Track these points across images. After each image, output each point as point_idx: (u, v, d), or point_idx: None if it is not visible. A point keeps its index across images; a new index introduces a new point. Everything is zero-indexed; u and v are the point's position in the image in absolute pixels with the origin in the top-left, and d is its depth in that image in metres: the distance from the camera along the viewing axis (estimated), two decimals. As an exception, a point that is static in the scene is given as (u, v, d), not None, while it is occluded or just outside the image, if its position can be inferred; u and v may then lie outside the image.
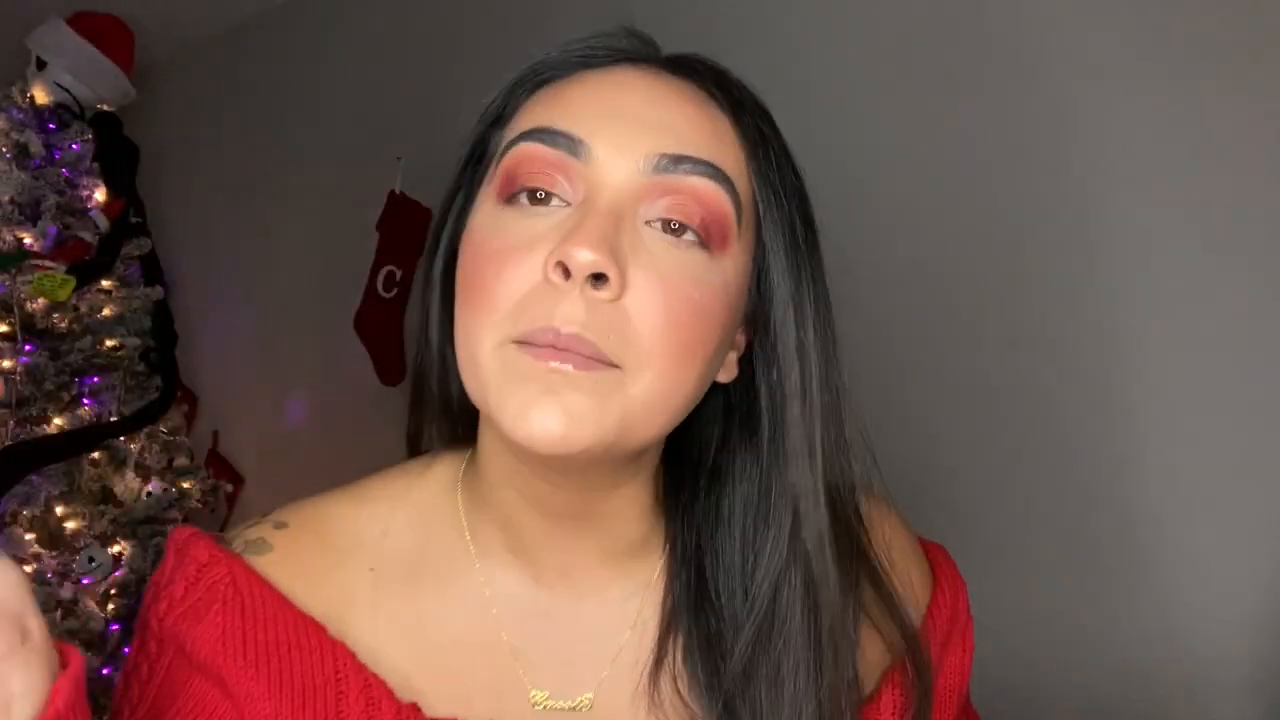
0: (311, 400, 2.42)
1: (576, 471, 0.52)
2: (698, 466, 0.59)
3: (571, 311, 0.47)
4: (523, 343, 0.48)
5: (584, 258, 0.46)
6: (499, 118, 0.57)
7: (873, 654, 0.60)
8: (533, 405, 0.47)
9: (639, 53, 0.56)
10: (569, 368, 0.47)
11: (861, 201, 1.40)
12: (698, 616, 0.57)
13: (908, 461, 1.24)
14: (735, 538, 0.57)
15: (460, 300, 0.52)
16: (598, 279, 0.47)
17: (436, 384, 0.60)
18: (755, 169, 0.53)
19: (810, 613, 0.54)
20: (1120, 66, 1.23)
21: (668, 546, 0.60)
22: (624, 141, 0.50)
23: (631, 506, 0.58)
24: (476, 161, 0.57)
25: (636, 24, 0.59)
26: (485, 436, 0.57)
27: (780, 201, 0.53)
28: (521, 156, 0.51)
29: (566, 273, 0.47)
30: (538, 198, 0.51)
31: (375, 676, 0.55)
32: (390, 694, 0.55)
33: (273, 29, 2.52)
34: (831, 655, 0.54)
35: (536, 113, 0.53)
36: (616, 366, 0.47)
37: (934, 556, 0.66)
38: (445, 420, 0.61)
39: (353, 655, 0.55)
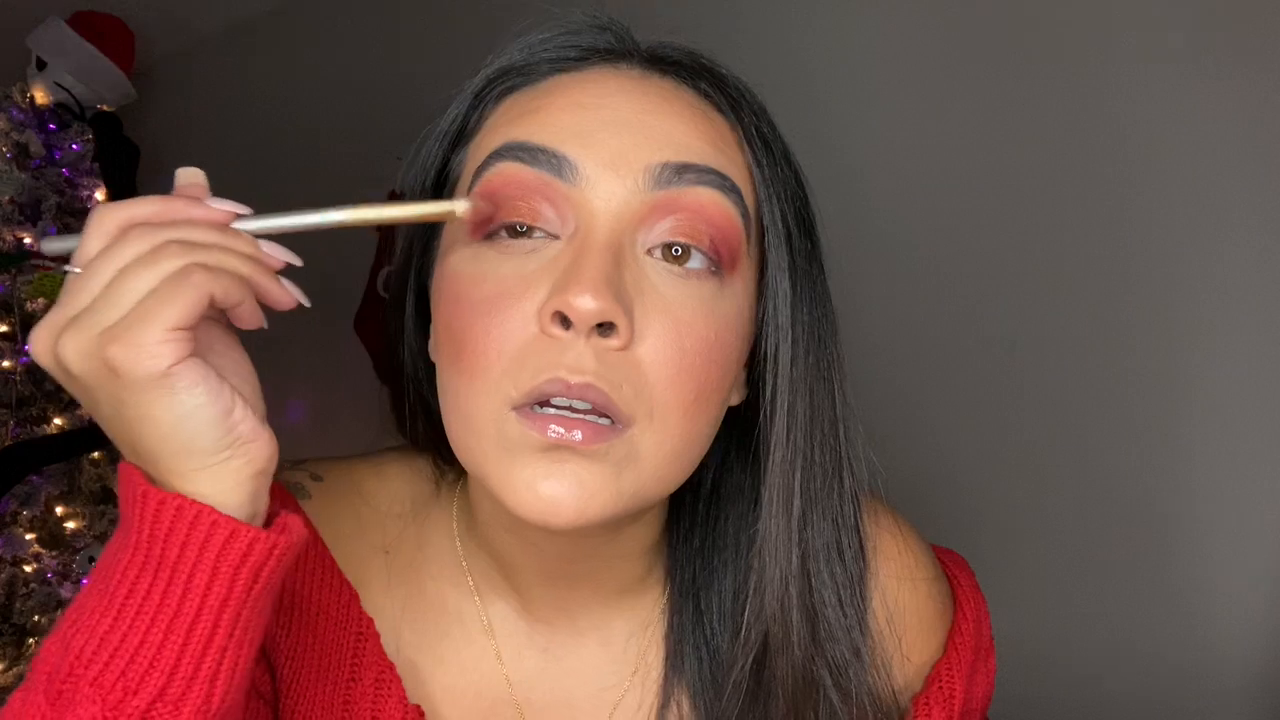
0: (311, 400, 2.42)
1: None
2: (697, 489, 0.55)
3: (579, 360, 0.41)
4: (523, 408, 0.42)
5: (587, 306, 0.40)
6: (461, 134, 0.50)
7: (923, 656, 0.57)
8: (541, 480, 0.42)
9: (616, 49, 0.50)
10: (577, 436, 0.41)
11: (875, 202, 1.40)
12: (699, 656, 0.53)
13: (922, 466, 1.24)
14: (729, 565, 0.53)
15: (445, 359, 0.46)
16: (603, 327, 0.42)
17: (424, 428, 0.55)
18: (759, 176, 0.47)
19: (809, 659, 0.49)
20: (1148, 52, 1.22)
21: (669, 580, 0.56)
22: (617, 155, 0.44)
23: (634, 547, 0.54)
24: (439, 187, 0.51)
25: (611, 11, 0.52)
26: (477, 483, 0.52)
27: (783, 213, 0.48)
28: (498, 181, 0.45)
29: (566, 323, 0.41)
30: (518, 230, 0.45)
31: (391, 666, 0.53)
32: (401, 690, 0.52)
33: (273, 29, 2.51)
34: (841, 703, 0.50)
35: (508, 126, 0.47)
36: (627, 426, 0.42)
37: (953, 573, 0.61)
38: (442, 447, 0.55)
39: (378, 636, 0.53)
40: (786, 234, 0.48)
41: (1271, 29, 1.12)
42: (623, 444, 0.43)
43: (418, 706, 0.53)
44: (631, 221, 0.44)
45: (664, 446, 0.44)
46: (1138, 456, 1.21)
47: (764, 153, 0.48)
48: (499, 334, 0.43)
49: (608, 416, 0.42)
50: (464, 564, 0.56)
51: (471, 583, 0.55)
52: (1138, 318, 1.22)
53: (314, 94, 2.42)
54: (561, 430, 0.41)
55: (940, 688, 0.57)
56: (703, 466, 0.53)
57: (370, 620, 0.53)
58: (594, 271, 0.41)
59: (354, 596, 0.53)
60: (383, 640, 0.54)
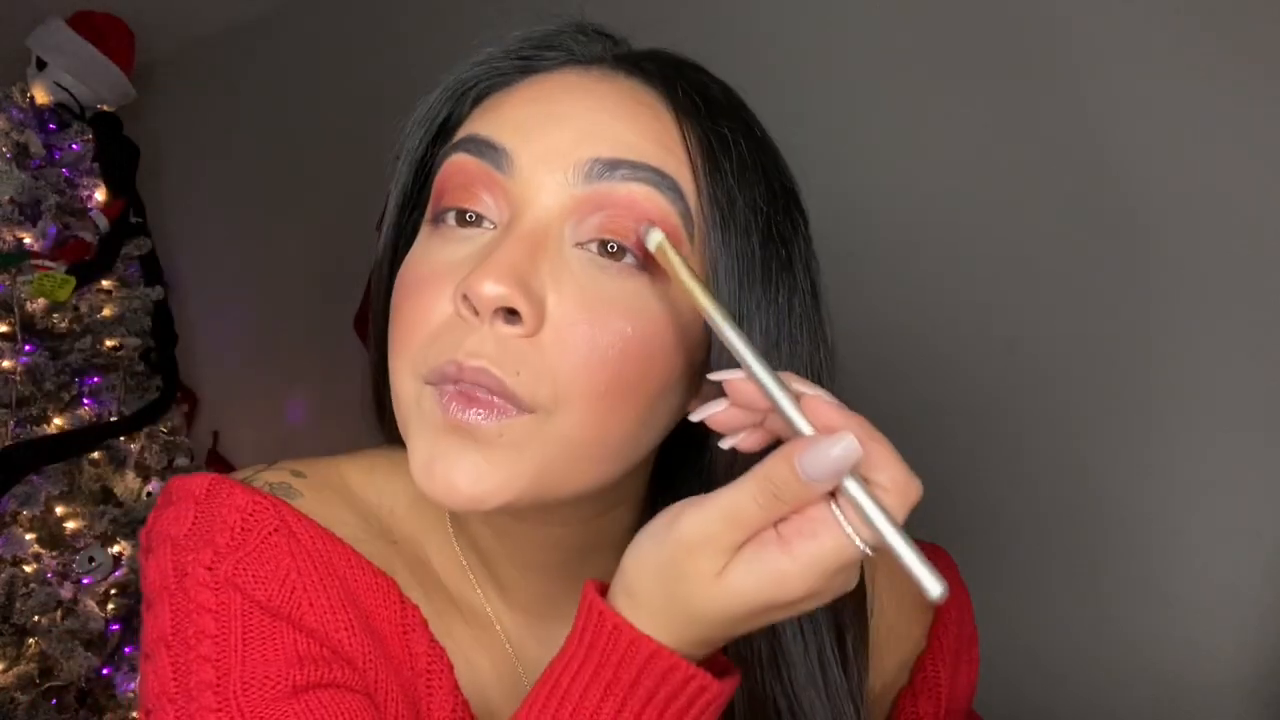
0: (311, 400, 2.42)
1: (532, 512, 0.48)
2: (687, 486, 0.54)
3: (479, 345, 0.42)
4: (432, 383, 0.44)
5: (489, 291, 0.41)
6: (442, 131, 0.52)
7: (906, 647, 0.58)
8: (438, 459, 0.43)
9: (587, 53, 0.51)
10: (472, 416, 0.42)
11: (874, 202, 1.40)
12: None
13: (914, 465, 1.24)
14: None
15: (388, 333, 0.48)
16: (510, 314, 0.43)
17: None
18: (705, 179, 0.46)
19: (780, 654, 0.49)
20: (1139, 55, 1.22)
21: None
22: (552, 150, 0.45)
23: (607, 540, 0.53)
24: (420, 179, 0.52)
25: (612, 15, 0.52)
26: None
27: (732, 221, 0.46)
28: (449, 171, 0.47)
29: (475, 307, 0.43)
30: (467, 219, 0.46)
31: (440, 648, 0.52)
32: (452, 672, 0.51)
33: (273, 28, 2.52)
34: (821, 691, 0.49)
35: (471, 123, 0.49)
36: (529, 410, 0.43)
37: (935, 564, 0.63)
38: None
39: (425, 622, 0.52)
40: (736, 242, 0.46)
41: (1269, 33, 1.12)
42: (522, 426, 0.43)
43: (465, 701, 0.52)
44: (559, 214, 0.45)
45: (572, 432, 0.43)
46: (1133, 456, 1.22)
47: (713, 158, 0.47)
48: (421, 313, 0.45)
49: (505, 401, 0.43)
50: (462, 561, 0.56)
51: (472, 577, 0.56)
52: (1137, 318, 1.22)
53: (314, 94, 2.42)
54: (459, 411, 0.42)
55: (925, 678, 0.58)
56: (690, 472, 0.53)
57: (415, 607, 0.52)
58: (502, 259, 0.42)
59: (392, 584, 0.52)
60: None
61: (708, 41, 0.58)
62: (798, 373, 0.47)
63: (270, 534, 0.49)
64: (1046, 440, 1.29)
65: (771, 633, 0.49)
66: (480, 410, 0.42)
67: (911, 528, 0.61)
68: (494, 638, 0.55)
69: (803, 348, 0.48)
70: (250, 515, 0.49)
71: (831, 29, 1.50)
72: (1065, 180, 1.27)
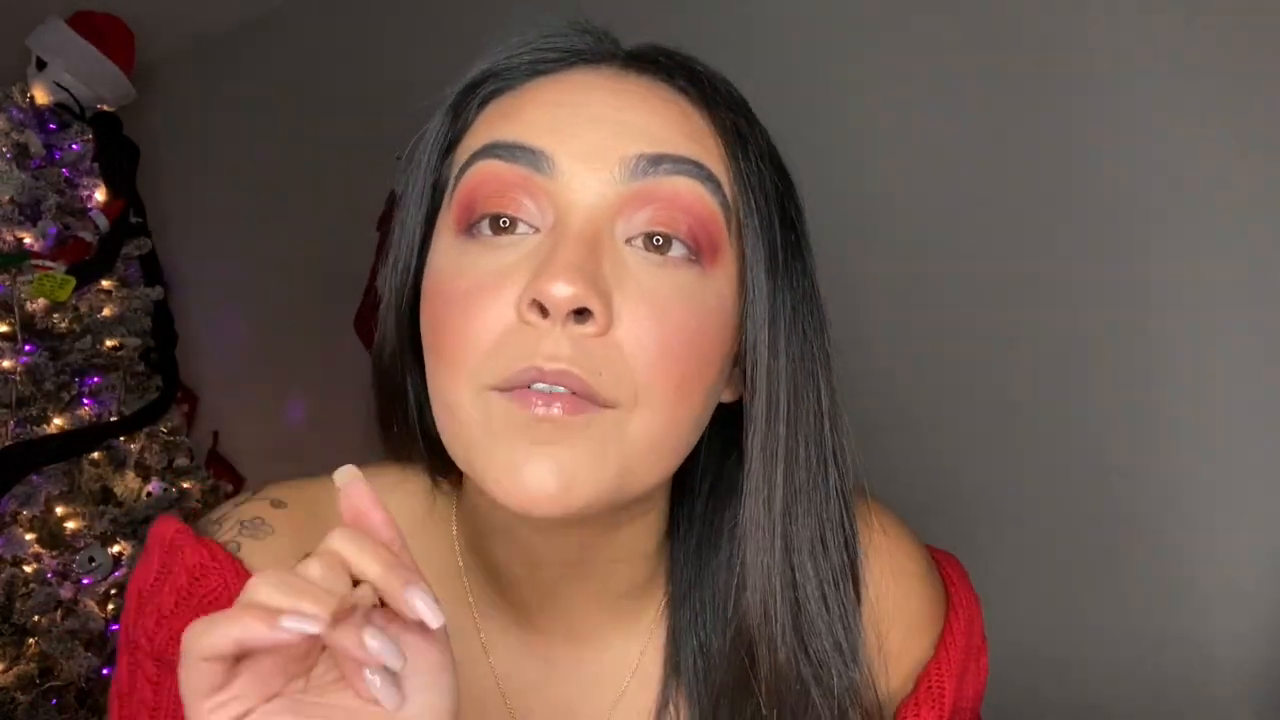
0: (311, 400, 2.42)
1: (575, 523, 0.47)
2: (695, 492, 0.54)
3: (556, 348, 0.41)
4: (504, 389, 0.42)
5: (562, 293, 0.41)
6: (449, 142, 0.51)
7: (914, 657, 0.57)
8: (522, 464, 0.41)
9: (595, 51, 0.50)
10: (558, 411, 0.41)
11: (876, 202, 1.40)
12: (693, 656, 0.52)
13: (919, 466, 1.24)
14: (723, 564, 0.52)
15: (429, 350, 0.46)
16: (580, 314, 0.42)
17: (419, 440, 0.54)
18: (736, 169, 0.47)
19: (792, 655, 0.48)
20: (1140, 55, 1.22)
21: (669, 583, 0.55)
22: (593, 149, 0.45)
23: (635, 550, 0.53)
24: (435, 194, 0.51)
25: (607, 12, 0.53)
26: (470, 486, 0.51)
27: (761, 207, 0.47)
28: (478, 178, 0.46)
29: (544, 311, 0.42)
30: (501, 225, 0.45)
31: None
32: None
33: (273, 29, 2.52)
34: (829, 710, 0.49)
35: (488, 128, 0.48)
36: (610, 407, 0.42)
37: (947, 573, 0.61)
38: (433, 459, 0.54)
39: None
40: (765, 227, 0.47)
41: (1268, 31, 1.12)
42: (604, 420, 0.42)
43: None
44: (608, 212, 0.45)
45: (651, 429, 0.43)
46: (1135, 454, 1.21)
47: (740, 146, 0.48)
48: (477, 324, 0.43)
49: (588, 400, 0.42)
50: (465, 580, 0.55)
51: (471, 599, 0.55)
52: (1142, 316, 1.22)
53: (314, 93, 2.42)
54: (543, 407, 0.42)
55: (929, 688, 0.57)
56: (703, 470, 0.53)
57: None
58: (569, 259, 0.42)
59: None
60: None
61: (702, 38, 0.58)
62: (806, 355, 0.48)
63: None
64: (1051, 441, 1.28)
65: (794, 598, 0.48)
66: (564, 405, 0.42)
67: (919, 527, 0.61)
68: (477, 661, 0.54)
69: (814, 329, 0.49)
70: (197, 579, 0.48)
71: (830, 27, 1.50)
72: (1067, 178, 1.27)
